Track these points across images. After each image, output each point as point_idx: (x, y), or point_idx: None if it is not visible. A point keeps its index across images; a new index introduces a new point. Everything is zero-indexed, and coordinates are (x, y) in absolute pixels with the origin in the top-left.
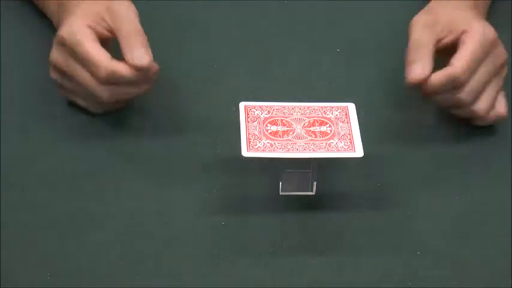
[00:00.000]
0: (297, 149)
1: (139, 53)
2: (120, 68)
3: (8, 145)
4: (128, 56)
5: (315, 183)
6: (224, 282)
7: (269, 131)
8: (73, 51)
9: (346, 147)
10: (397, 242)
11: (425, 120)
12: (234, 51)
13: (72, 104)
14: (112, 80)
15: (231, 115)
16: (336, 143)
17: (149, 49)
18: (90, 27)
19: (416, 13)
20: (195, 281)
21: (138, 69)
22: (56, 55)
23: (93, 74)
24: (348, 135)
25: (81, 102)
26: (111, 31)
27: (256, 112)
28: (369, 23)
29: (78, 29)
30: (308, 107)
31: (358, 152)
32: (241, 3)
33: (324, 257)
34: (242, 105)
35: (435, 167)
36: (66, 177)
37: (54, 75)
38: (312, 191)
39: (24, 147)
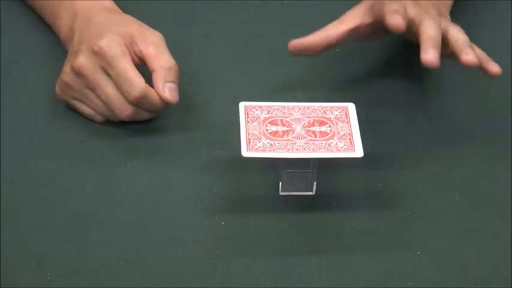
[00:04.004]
0: (297, 149)
1: (173, 88)
2: (153, 94)
3: (8, 145)
4: (160, 87)
5: (314, 183)
6: (224, 282)
7: (269, 131)
8: (109, 65)
9: (346, 147)
10: (397, 242)
11: (425, 120)
12: (234, 51)
13: None
14: (139, 102)
15: (231, 115)
16: (336, 143)
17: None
18: (127, 47)
19: None
20: (195, 281)
21: (166, 102)
22: (86, 62)
23: (123, 91)
24: (348, 135)
25: (87, 110)
26: (140, 57)
27: (256, 112)
28: None
29: (119, 45)
30: (308, 107)
31: (358, 152)
32: (241, 3)
33: (324, 257)
34: (242, 105)
35: (435, 167)
36: (66, 177)
37: (68, 77)
38: (311, 191)
39: (24, 147)
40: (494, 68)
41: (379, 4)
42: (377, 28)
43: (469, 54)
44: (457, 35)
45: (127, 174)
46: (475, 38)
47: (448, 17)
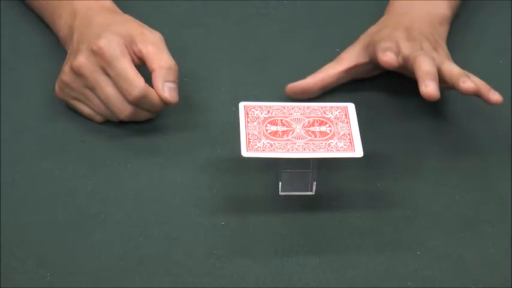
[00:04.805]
0: (297, 149)
1: (172, 88)
2: (153, 94)
3: (8, 145)
4: (160, 86)
5: (314, 183)
6: (224, 282)
7: (269, 131)
8: (108, 64)
9: (346, 147)
10: (396, 242)
11: (425, 120)
12: (234, 51)
13: None
14: (139, 102)
15: (230, 115)
16: (336, 143)
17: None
18: (126, 47)
19: None
20: (195, 281)
21: (166, 102)
22: (85, 61)
23: (123, 90)
24: (348, 135)
25: (87, 110)
26: (140, 57)
27: (256, 112)
28: (368, 22)
29: (119, 44)
30: (308, 107)
31: (358, 152)
32: (241, 3)
33: (324, 257)
34: (242, 105)
35: (435, 167)
36: (66, 177)
37: (67, 77)
38: (311, 191)
39: (24, 147)
40: (494, 96)
41: (372, 44)
42: (373, 67)
43: (466, 82)
44: (451, 69)
45: (127, 174)
46: (475, 39)
47: (444, 46)
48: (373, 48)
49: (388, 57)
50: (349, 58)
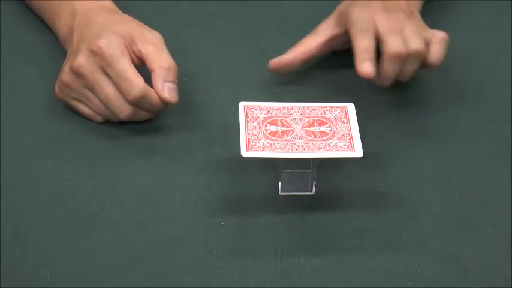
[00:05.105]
0: (297, 149)
1: (172, 88)
2: (153, 93)
3: (8, 145)
4: (159, 86)
5: (314, 183)
6: (224, 282)
7: (268, 131)
8: (108, 65)
9: (346, 147)
10: (397, 242)
11: (425, 120)
12: (234, 51)
13: None
14: (139, 102)
15: (230, 115)
16: (336, 143)
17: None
18: (126, 47)
19: None
20: (195, 281)
21: (166, 102)
22: (85, 62)
23: (122, 90)
24: (348, 135)
25: (86, 110)
26: (139, 57)
27: (256, 112)
28: None
29: (118, 44)
30: (307, 107)
31: (358, 152)
32: (241, 3)
33: (324, 257)
34: (241, 105)
35: (435, 167)
36: (66, 177)
37: (67, 77)
38: (311, 191)
39: (24, 147)
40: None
41: (344, 15)
42: (349, 37)
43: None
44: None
45: (127, 174)
46: (475, 38)
47: (418, 16)
48: (346, 19)
49: (365, 70)
50: (326, 30)
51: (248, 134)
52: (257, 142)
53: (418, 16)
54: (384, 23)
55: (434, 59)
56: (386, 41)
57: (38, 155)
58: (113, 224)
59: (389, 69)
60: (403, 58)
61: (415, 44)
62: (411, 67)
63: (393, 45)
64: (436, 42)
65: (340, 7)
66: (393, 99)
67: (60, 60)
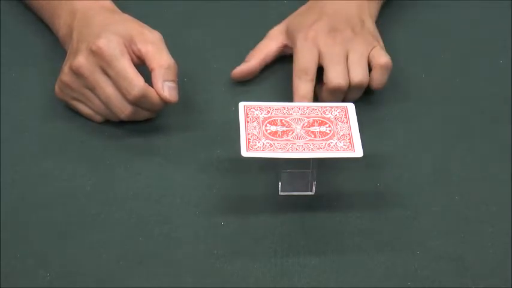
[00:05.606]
0: (297, 149)
1: (172, 87)
2: (153, 93)
3: (8, 145)
4: (159, 86)
5: (314, 183)
6: (224, 282)
7: (268, 131)
8: (108, 64)
9: (346, 147)
10: (396, 242)
11: (425, 120)
12: (234, 51)
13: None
14: (139, 101)
15: (230, 115)
16: (336, 143)
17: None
18: (126, 46)
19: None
20: (195, 281)
21: (166, 101)
22: (84, 62)
23: (122, 90)
24: (348, 135)
25: (86, 110)
26: (139, 57)
27: (256, 112)
28: None
29: (118, 44)
30: (307, 107)
31: (358, 152)
32: (241, 3)
33: (324, 257)
34: (241, 105)
35: (435, 167)
36: (65, 177)
37: (67, 77)
38: (311, 191)
39: (24, 147)
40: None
41: (291, 35)
42: None
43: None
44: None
45: (127, 174)
46: (475, 37)
47: (369, 23)
48: (292, 39)
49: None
50: (279, 37)
51: (248, 134)
52: (257, 142)
53: (370, 25)
54: (328, 51)
55: (375, 85)
56: (327, 72)
57: (38, 155)
58: (113, 224)
59: (330, 99)
60: (344, 91)
61: (357, 77)
62: (353, 96)
63: (334, 77)
64: (377, 69)
65: (289, 22)
66: (393, 99)
67: (60, 60)
